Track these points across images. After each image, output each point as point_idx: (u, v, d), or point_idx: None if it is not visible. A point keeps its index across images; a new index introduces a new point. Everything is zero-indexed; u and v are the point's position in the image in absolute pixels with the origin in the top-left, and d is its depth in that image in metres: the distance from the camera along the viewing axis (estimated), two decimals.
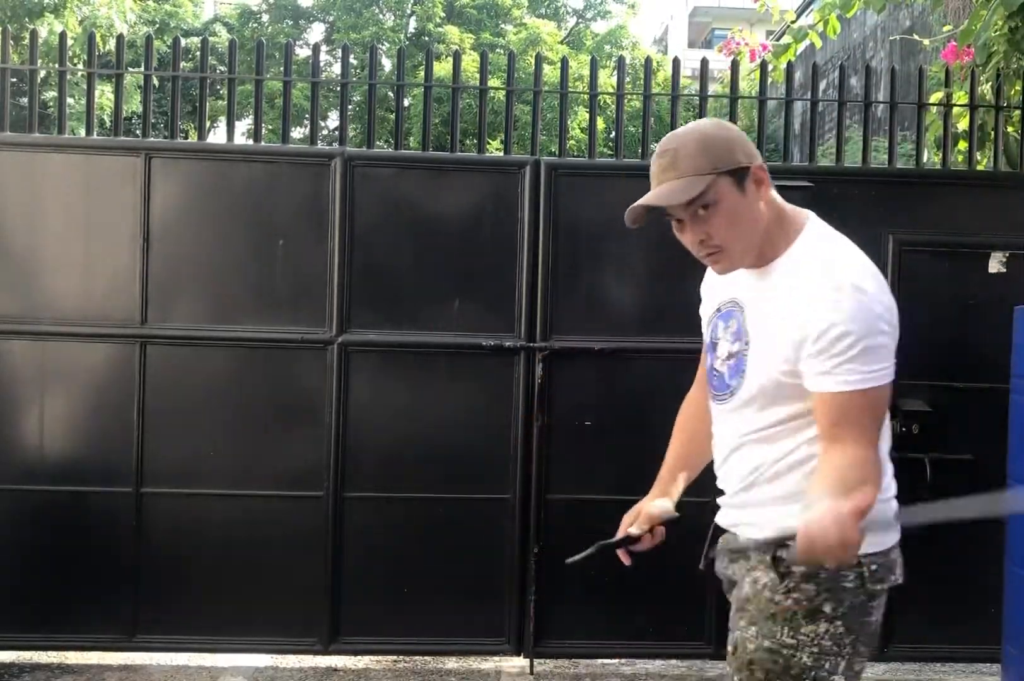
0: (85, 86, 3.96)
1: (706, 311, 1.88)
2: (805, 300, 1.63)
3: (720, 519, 1.93)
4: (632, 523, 1.98)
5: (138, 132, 4.48)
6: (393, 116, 4.16)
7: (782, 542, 1.64)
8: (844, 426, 1.59)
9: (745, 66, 4.63)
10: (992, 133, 3.96)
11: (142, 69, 3.73)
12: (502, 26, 22.40)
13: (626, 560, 1.99)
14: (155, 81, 3.92)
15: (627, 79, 9.22)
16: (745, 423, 1.75)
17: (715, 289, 1.86)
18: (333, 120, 17.93)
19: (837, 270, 1.66)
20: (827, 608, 1.67)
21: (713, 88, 5.69)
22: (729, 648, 1.76)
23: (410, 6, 22.46)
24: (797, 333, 1.62)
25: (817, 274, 1.65)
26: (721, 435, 1.84)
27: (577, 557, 1.91)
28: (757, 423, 1.73)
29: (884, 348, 1.62)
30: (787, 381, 1.66)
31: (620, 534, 1.97)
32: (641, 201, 1.66)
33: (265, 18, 23.22)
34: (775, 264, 1.72)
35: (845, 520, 1.45)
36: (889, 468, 1.76)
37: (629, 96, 5.36)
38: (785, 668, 1.66)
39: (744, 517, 1.84)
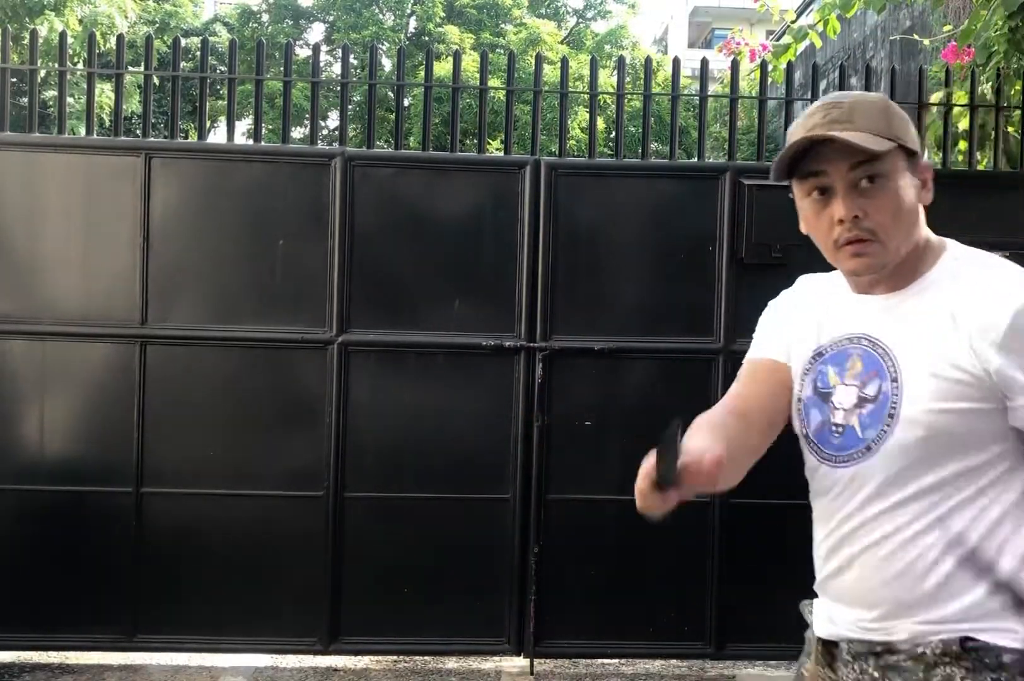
0: (85, 85, 3.95)
1: (798, 358, 1.49)
2: (983, 313, 1.29)
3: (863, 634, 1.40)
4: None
5: (138, 132, 4.47)
6: (393, 116, 4.16)
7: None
8: None
9: (745, 66, 4.63)
10: (992, 133, 3.96)
11: (142, 69, 3.74)
12: (502, 26, 22.38)
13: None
14: (155, 81, 3.92)
15: (627, 79, 9.23)
16: (907, 489, 1.34)
17: (803, 329, 1.49)
18: (333, 120, 17.93)
19: (1011, 272, 1.34)
20: None
21: (713, 88, 5.68)
22: None
23: (410, 6, 22.45)
24: (994, 352, 1.27)
25: (982, 272, 1.35)
26: (849, 523, 1.40)
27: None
28: (924, 482, 1.33)
29: None
30: (962, 417, 1.30)
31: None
32: (823, 133, 1.31)
33: (265, 18, 23.20)
34: (920, 283, 1.39)
35: None
36: None
37: (629, 96, 5.36)
38: None
39: (927, 628, 1.35)
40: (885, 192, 1.34)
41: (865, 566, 1.38)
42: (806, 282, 1.59)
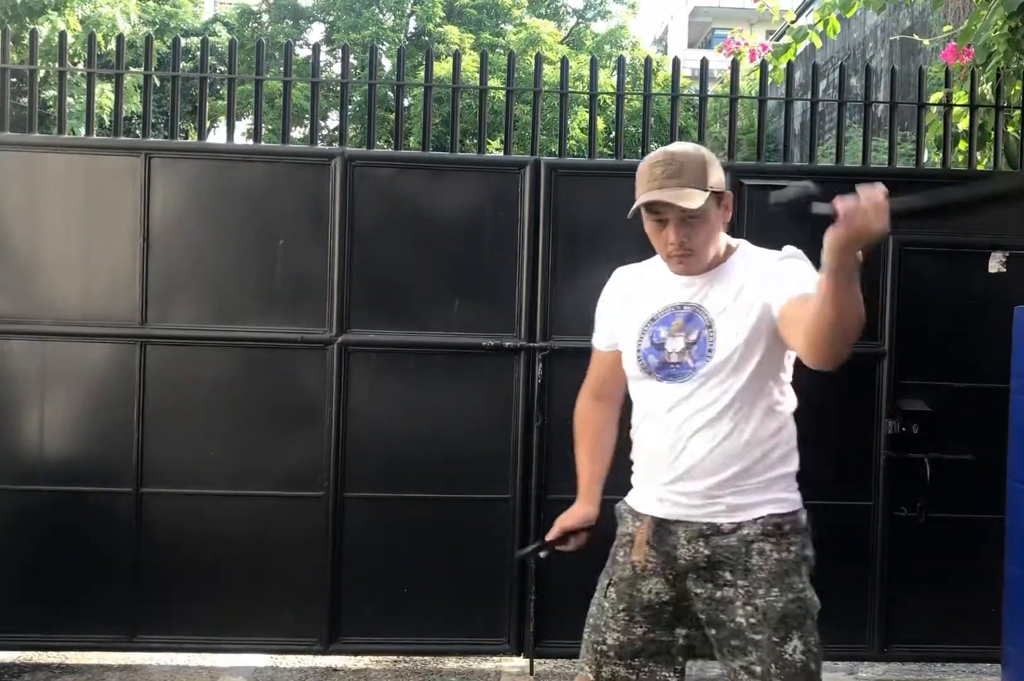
0: (85, 85, 3.95)
1: (632, 324, 2.10)
2: (758, 268, 2.01)
3: (685, 511, 2.04)
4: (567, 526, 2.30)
5: (138, 132, 4.48)
6: (393, 116, 4.16)
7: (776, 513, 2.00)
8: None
9: (745, 66, 4.63)
10: (992, 133, 3.96)
11: (142, 69, 3.74)
12: (502, 26, 22.38)
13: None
14: (155, 81, 3.92)
15: (627, 79, 9.23)
16: (724, 396, 1.98)
17: (636, 303, 2.12)
18: (333, 120, 17.93)
19: (772, 251, 2.07)
20: (808, 550, 2.09)
21: (713, 88, 5.69)
22: (752, 620, 1.98)
23: (410, 6, 22.45)
24: (764, 283, 1.97)
25: (764, 255, 2.06)
26: (677, 420, 2.02)
27: (526, 550, 2.21)
28: (735, 388, 1.98)
29: None
30: (753, 339, 1.97)
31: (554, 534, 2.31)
32: (661, 197, 1.94)
33: (265, 18, 23.20)
34: (722, 266, 2.05)
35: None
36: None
37: (629, 96, 5.36)
38: (806, 610, 2.05)
39: (742, 501, 2.00)
40: (702, 225, 1.99)
41: (690, 448, 1.99)
42: (623, 273, 2.23)
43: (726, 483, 1.98)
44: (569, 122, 6.13)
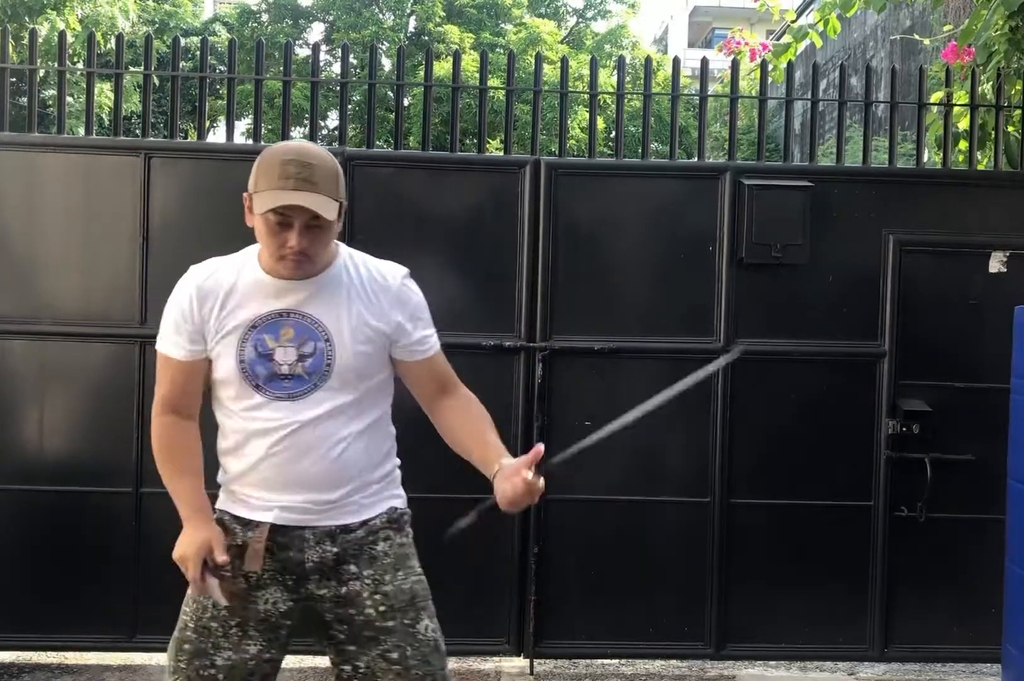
0: (84, 85, 3.95)
1: (232, 331, 1.97)
2: (385, 289, 2.02)
3: (313, 517, 2.00)
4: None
5: (138, 132, 4.47)
6: (393, 116, 4.16)
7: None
8: (453, 374, 2.15)
9: (745, 66, 4.63)
10: (992, 133, 3.96)
11: (142, 69, 3.73)
12: (502, 26, 22.38)
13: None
14: (155, 81, 3.92)
15: (627, 79, 9.24)
16: (342, 407, 1.98)
17: (228, 307, 1.98)
18: (333, 120, 17.92)
19: (384, 262, 2.09)
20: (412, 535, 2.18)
21: (713, 88, 5.68)
22: (381, 608, 2.00)
23: (410, 6, 22.44)
24: (395, 313, 2.01)
25: (378, 270, 2.05)
26: (305, 434, 1.97)
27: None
28: (350, 400, 1.99)
29: None
30: (373, 356, 2.00)
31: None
32: (302, 202, 1.86)
33: (265, 18, 23.18)
34: (328, 272, 2.00)
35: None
36: None
37: (629, 96, 5.36)
38: (427, 591, 2.11)
39: (369, 500, 2.05)
40: (324, 233, 1.93)
41: (315, 461, 1.96)
42: (205, 271, 2.02)
43: (354, 490, 2.01)
44: (569, 122, 6.12)
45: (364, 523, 2.03)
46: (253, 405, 1.98)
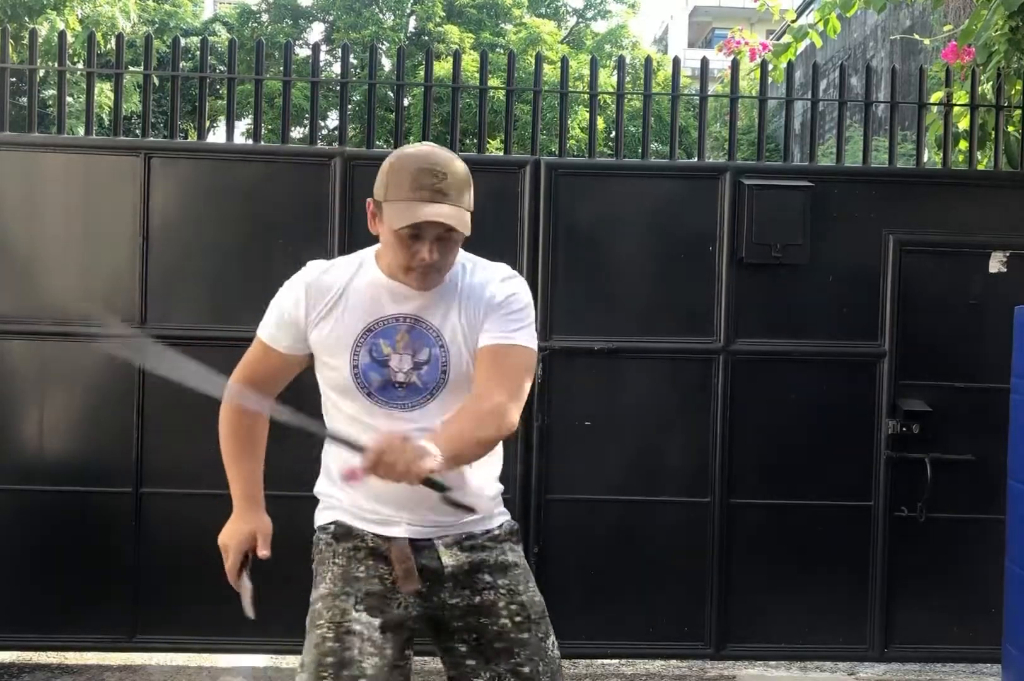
0: (84, 85, 3.95)
1: (344, 334, 1.90)
2: (482, 296, 1.90)
3: (442, 530, 1.93)
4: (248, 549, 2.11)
5: (138, 132, 4.47)
6: (393, 116, 4.16)
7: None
8: (515, 377, 1.86)
9: (745, 66, 4.63)
10: (992, 133, 3.96)
11: (142, 69, 3.73)
12: (502, 26, 22.38)
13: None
14: (155, 81, 3.92)
15: (627, 79, 9.22)
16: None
17: (339, 312, 1.91)
18: (333, 120, 17.92)
19: (492, 266, 1.99)
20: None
21: (713, 88, 5.68)
22: (517, 619, 1.91)
23: (410, 5, 22.44)
24: (483, 311, 1.89)
25: (484, 275, 1.95)
26: None
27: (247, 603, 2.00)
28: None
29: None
30: (473, 365, 1.90)
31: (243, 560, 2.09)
32: (438, 217, 1.79)
33: (265, 18, 23.19)
34: (446, 280, 1.92)
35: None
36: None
37: (629, 96, 5.35)
38: (544, 605, 1.99)
39: (488, 513, 1.98)
40: (454, 245, 1.86)
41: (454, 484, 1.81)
42: (326, 271, 1.96)
43: (475, 502, 1.90)
44: (569, 122, 6.12)
45: (487, 532, 1.96)
46: (367, 413, 1.91)
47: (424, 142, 2.05)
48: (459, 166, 1.87)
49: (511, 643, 1.90)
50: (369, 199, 1.93)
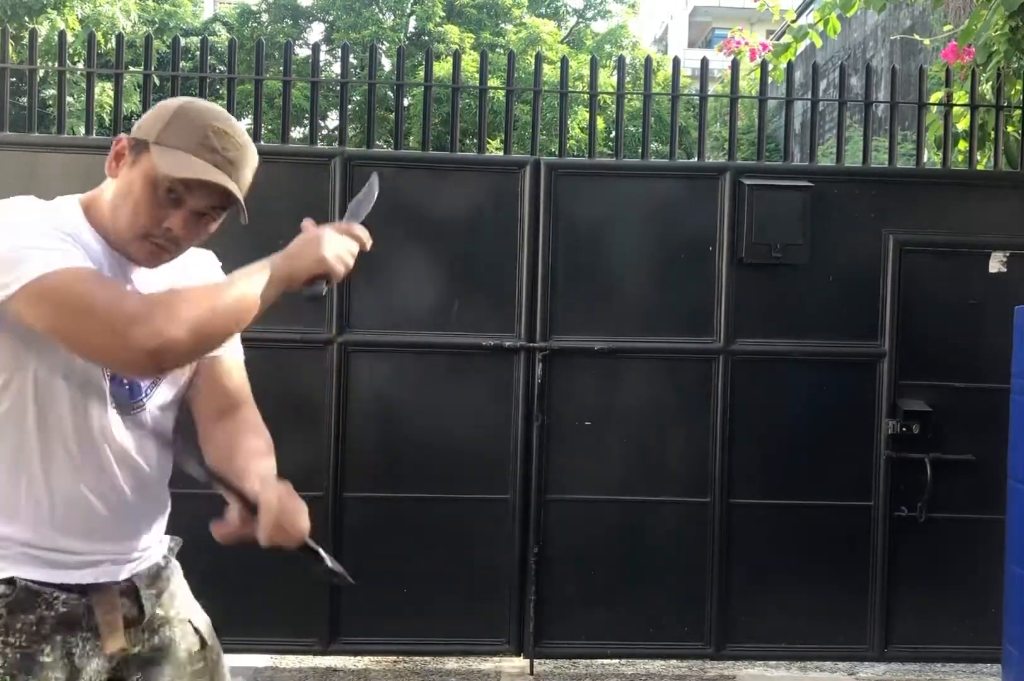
0: (85, 85, 3.95)
1: None
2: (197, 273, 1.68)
3: (134, 565, 1.67)
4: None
5: None
6: (393, 116, 4.16)
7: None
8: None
9: (745, 66, 4.63)
10: (992, 133, 3.96)
11: (142, 68, 3.73)
12: (502, 26, 22.38)
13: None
14: (155, 80, 3.92)
15: (627, 79, 9.24)
16: (162, 438, 1.66)
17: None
18: (333, 120, 17.92)
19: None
20: None
21: (713, 88, 5.68)
22: (194, 649, 1.77)
23: (410, 6, 22.44)
24: None
25: (197, 255, 1.72)
26: (135, 465, 1.64)
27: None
28: (167, 434, 1.67)
29: None
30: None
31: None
32: (226, 183, 1.52)
33: (265, 18, 23.18)
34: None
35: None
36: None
37: (629, 96, 5.36)
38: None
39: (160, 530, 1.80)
40: (208, 229, 1.58)
41: (148, 510, 1.73)
42: (55, 216, 1.52)
43: (160, 526, 1.76)
44: (569, 122, 6.12)
45: (165, 557, 1.85)
46: (92, 414, 1.57)
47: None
48: (255, 150, 1.61)
49: (190, 674, 1.70)
50: (122, 135, 1.55)
